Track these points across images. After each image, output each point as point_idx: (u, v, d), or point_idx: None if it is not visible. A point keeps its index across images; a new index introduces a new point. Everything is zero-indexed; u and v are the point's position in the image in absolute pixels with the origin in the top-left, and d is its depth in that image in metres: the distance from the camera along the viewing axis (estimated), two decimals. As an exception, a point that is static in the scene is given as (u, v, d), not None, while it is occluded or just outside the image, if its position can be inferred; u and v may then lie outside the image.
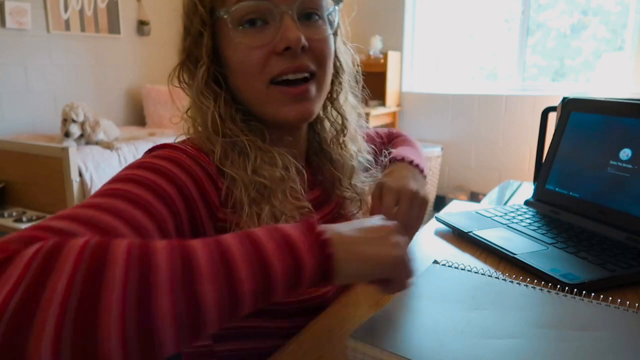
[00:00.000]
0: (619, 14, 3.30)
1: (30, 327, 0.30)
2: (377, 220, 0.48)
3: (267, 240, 0.40)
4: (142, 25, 3.87)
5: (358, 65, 0.74)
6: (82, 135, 2.86)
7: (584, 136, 0.94)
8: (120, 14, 3.73)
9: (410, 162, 0.76)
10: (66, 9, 3.37)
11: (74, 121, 2.80)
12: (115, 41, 3.74)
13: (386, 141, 0.92)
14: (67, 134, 2.79)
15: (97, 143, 2.91)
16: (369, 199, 0.74)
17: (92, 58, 3.60)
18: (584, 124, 0.95)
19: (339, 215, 0.75)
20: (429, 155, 3.33)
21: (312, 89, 0.62)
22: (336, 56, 0.69)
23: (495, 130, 3.53)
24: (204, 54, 0.61)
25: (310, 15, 0.61)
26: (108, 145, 2.90)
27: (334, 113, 0.73)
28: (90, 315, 0.31)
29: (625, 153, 0.84)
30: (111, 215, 0.44)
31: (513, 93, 3.48)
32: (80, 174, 2.67)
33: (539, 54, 3.56)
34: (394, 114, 3.85)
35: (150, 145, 3.61)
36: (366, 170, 0.78)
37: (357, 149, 0.77)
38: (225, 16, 0.59)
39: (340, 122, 0.73)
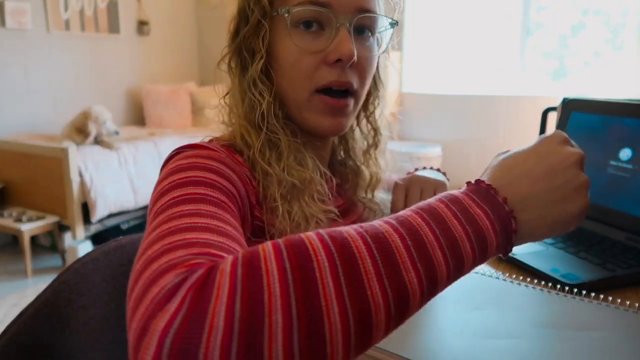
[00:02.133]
0: (619, 14, 3.30)
1: (262, 334, 0.30)
2: (562, 157, 0.48)
3: (456, 223, 0.41)
4: (142, 25, 3.88)
5: None
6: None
7: (584, 136, 0.94)
8: (120, 14, 3.73)
9: (423, 168, 0.81)
10: (66, 9, 3.37)
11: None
12: (115, 41, 3.74)
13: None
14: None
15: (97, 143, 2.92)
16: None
17: (92, 58, 3.60)
18: (584, 124, 0.95)
19: None
20: (429, 155, 3.33)
21: (351, 104, 0.63)
22: (377, 71, 0.69)
23: (495, 131, 3.53)
24: (262, 45, 0.61)
25: (363, 30, 0.62)
26: (108, 145, 2.90)
27: (368, 126, 0.74)
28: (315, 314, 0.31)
29: (625, 153, 0.84)
30: (223, 223, 0.44)
31: (513, 93, 3.48)
32: (80, 174, 2.67)
33: (539, 54, 3.56)
34: (393, 115, 3.84)
35: (150, 145, 3.60)
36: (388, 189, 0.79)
37: (385, 164, 0.77)
38: (286, 15, 0.59)
39: (373, 135, 0.74)
